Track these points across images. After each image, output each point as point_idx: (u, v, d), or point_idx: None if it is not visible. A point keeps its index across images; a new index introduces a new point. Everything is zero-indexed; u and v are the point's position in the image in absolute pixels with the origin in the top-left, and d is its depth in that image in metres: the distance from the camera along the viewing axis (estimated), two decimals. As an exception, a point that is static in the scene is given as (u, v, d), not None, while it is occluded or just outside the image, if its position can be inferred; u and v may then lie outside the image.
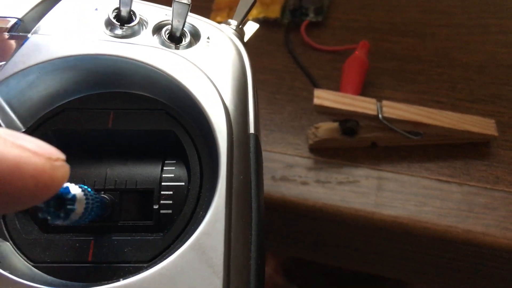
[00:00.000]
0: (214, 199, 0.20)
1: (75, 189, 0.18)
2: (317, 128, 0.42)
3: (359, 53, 0.47)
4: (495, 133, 0.40)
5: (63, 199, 0.17)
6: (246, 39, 0.34)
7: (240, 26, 0.31)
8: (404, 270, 0.46)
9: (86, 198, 0.19)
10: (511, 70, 0.47)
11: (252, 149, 0.24)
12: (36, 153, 0.15)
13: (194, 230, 0.20)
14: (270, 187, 0.40)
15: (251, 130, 0.24)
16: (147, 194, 0.22)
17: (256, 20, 0.54)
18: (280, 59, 0.51)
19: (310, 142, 0.42)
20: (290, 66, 0.50)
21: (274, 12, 0.54)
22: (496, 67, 0.47)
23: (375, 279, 0.79)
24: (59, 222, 0.17)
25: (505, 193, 0.38)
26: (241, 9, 0.30)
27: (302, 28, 0.52)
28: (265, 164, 0.42)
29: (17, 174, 0.14)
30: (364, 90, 0.46)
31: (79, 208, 0.18)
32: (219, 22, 0.30)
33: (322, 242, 0.45)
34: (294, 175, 0.41)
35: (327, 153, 0.42)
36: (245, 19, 0.32)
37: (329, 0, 0.56)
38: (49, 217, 0.17)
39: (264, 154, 0.43)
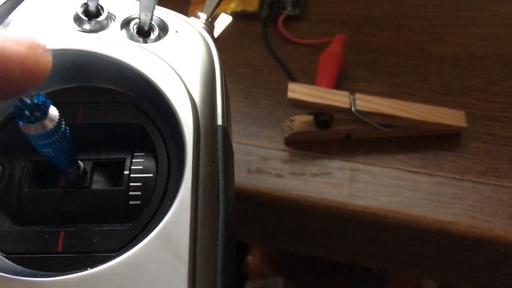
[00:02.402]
0: (180, 190, 0.21)
1: (54, 109, 0.19)
2: (292, 121, 0.43)
3: (334, 47, 0.47)
4: (465, 125, 0.41)
5: (39, 105, 0.18)
6: (219, 31, 0.34)
7: (210, 20, 0.31)
8: (379, 259, 0.47)
9: (59, 121, 0.19)
10: (484, 62, 0.48)
11: (220, 140, 0.24)
12: (18, 41, 0.16)
13: (161, 220, 0.20)
14: (246, 179, 0.41)
15: (219, 122, 0.25)
16: (118, 165, 0.23)
17: (234, 13, 0.55)
18: (258, 53, 0.51)
19: (285, 135, 0.43)
20: (268, 60, 0.51)
21: (252, 5, 0.55)
22: (469, 59, 0.48)
23: (361, 269, 0.80)
24: (28, 130, 0.18)
25: (473, 183, 0.39)
26: (210, 3, 0.31)
27: (280, 21, 0.53)
28: (241, 157, 0.43)
29: (3, 62, 0.15)
30: (340, 83, 0.47)
31: (51, 117, 0.19)
32: (189, 17, 0.30)
33: (298, 233, 0.46)
34: (269, 168, 0.41)
35: (302, 146, 0.43)
36: (215, 12, 0.32)
37: (307, -7, 0.56)
38: (22, 115, 0.18)
39: (240, 147, 0.43)
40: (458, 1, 0.55)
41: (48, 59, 0.17)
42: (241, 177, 0.41)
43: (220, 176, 0.23)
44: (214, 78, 0.26)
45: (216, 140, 0.24)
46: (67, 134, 0.20)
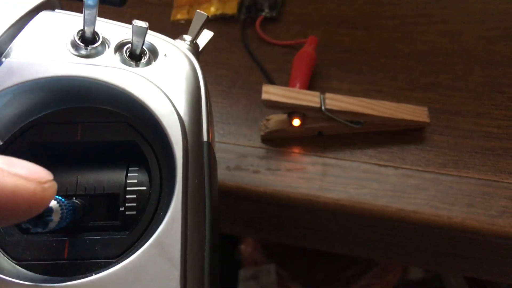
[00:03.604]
0: (172, 202, 0.24)
1: (51, 203, 0.21)
2: (268, 120, 0.46)
3: (307, 48, 0.50)
4: (428, 120, 0.44)
5: (42, 213, 0.20)
6: (202, 46, 0.37)
7: (194, 41, 0.33)
8: (357, 247, 0.50)
9: (61, 208, 0.22)
10: (449, 59, 0.51)
11: (205, 155, 0.27)
12: (28, 178, 0.17)
13: (155, 230, 0.23)
14: (226, 176, 0.44)
15: (204, 138, 0.27)
16: (114, 197, 0.26)
17: (214, 16, 0.57)
18: (237, 54, 0.54)
19: (262, 133, 0.46)
20: (246, 61, 0.53)
21: (231, 8, 0.57)
22: (435, 56, 0.51)
23: (349, 257, 0.84)
24: (39, 230, 0.21)
25: (435, 174, 0.42)
26: (194, 25, 0.33)
27: (257, 23, 0.55)
28: (221, 155, 0.46)
29: (13, 200, 0.17)
30: (313, 82, 0.50)
31: (55, 217, 0.21)
32: (176, 39, 0.32)
33: (278, 224, 0.49)
34: (247, 165, 0.44)
35: (277, 143, 0.46)
36: (199, 32, 0.34)
37: (283, -5, 0.59)
38: (30, 227, 0.20)
39: (219, 145, 0.46)
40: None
41: (53, 190, 0.18)
42: (222, 174, 0.44)
43: (206, 187, 0.26)
44: (199, 97, 0.28)
45: (202, 155, 0.26)
46: (70, 206, 0.23)
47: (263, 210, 0.46)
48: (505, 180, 0.41)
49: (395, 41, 0.53)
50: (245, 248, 0.92)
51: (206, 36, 0.38)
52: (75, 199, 0.25)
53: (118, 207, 0.25)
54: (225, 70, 0.53)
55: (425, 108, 0.45)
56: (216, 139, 0.46)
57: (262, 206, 0.45)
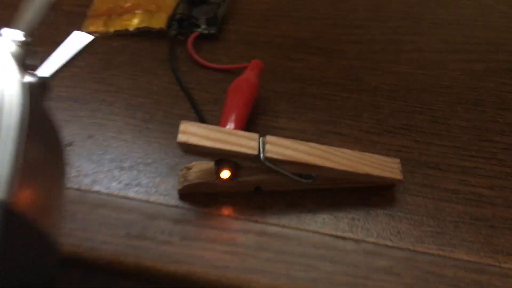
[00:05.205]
0: None
1: None
2: (189, 169, 0.34)
3: (248, 75, 0.39)
4: (400, 176, 0.33)
5: None
6: (74, 51, 0.25)
7: (29, 40, 0.22)
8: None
9: None
10: (425, 95, 0.41)
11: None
12: None
13: None
14: (122, 247, 0.31)
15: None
16: None
17: (137, 30, 0.46)
18: (161, 79, 0.42)
19: (179, 186, 0.34)
20: (171, 88, 0.42)
21: (159, 22, 0.46)
22: (407, 91, 0.41)
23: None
24: None
25: (409, 252, 0.31)
26: (29, 14, 0.22)
27: (190, 41, 0.44)
28: (119, 215, 0.33)
29: None
30: (254, 119, 0.38)
31: None
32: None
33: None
34: (155, 231, 0.32)
35: (200, 201, 0.34)
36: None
37: (225, 10, 0.48)
38: None
39: (119, 201, 0.34)
40: (399, 24, 0.48)
41: None
42: (117, 244, 0.31)
43: None
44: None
45: None
46: None
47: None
48: (503, 264, 0.30)
49: (360, 71, 0.43)
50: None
51: (81, 39, 0.27)
52: None
53: None
54: (143, 98, 0.41)
55: (397, 160, 0.34)
56: (116, 191, 0.34)
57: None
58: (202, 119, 0.39)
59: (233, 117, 0.36)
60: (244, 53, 0.45)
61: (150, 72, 0.43)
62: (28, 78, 0.20)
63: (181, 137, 0.31)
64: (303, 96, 0.41)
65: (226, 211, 0.33)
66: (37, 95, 0.21)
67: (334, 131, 0.38)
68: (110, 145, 0.37)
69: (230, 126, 0.35)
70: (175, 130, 0.34)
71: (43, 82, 0.21)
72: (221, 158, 0.32)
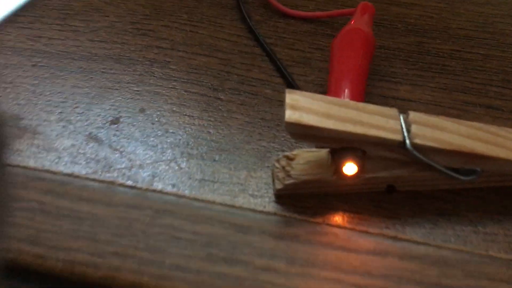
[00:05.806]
0: None
1: None
2: (290, 159, 0.24)
3: (357, 23, 0.28)
4: None
5: None
6: None
7: None
8: None
9: None
10: None
11: None
12: None
13: None
14: (206, 276, 0.21)
15: None
16: None
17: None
18: (228, 31, 0.32)
19: (278, 185, 0.23)
20: (243, 43, 0.31)
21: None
22: None
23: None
24: None
25: None
26: None
27: (264, -20, 0.33)
28: (195, 227, 0.23)
29: None
30: (366, 89, 0.28)
31: None
32: None
33: None
34: (249, 252, 0.22)
35: (308, 206, 0.23)
36: None
37: None
38: None
39: (192, 206, 0.24)
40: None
41: None
42: (196, 271, 0.21)
43: None
44: None
45: None
46: None
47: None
48: None
49: (497, 20, 0.32)
50: None
51: None
52: None
53: None
54: (206, 57, 0.30)
55: None
56: (186, 191, 0.24)
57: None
58: (292, 87, 0.28)
59: (347, 84, 0.25)
60: (332, -4, 0.34)
61: (213, 22, 0.32)
62: None
63: (291, 115, 0.21)
64: (424, 54, 0.30)
65: (348, 221, 0.23)
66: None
67: (479, 103, 0.27)
68: (170, 123, 0.27)
69: (344, 97, 0.25)
70: (257, 102, 0.24)
71: None
72: (344, 145, 0.22)
